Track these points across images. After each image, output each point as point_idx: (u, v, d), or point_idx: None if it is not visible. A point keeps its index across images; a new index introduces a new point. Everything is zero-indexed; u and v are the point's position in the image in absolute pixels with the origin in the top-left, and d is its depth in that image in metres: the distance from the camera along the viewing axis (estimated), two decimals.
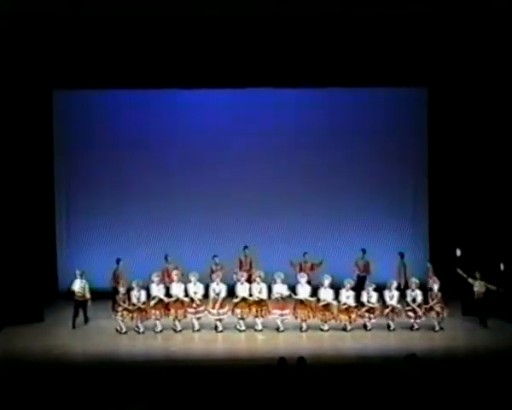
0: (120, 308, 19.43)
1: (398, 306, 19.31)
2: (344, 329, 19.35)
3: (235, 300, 19.46)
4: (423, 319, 19.35)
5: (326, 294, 19.37)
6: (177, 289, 19.59)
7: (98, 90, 23.10)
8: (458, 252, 20.86)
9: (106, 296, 21.23)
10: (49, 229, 23.38)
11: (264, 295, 19.43)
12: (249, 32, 21.19)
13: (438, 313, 19.31)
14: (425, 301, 19.49)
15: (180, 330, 19.47)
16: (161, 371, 16.03)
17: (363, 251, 21.82)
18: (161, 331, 19.45)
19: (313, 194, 23.69)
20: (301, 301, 19.38)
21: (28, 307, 20.70)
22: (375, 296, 19.37)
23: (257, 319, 19.47)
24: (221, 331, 19.42)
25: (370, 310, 19.27)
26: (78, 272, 20.37)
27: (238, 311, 19.40)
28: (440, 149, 23.40)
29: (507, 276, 20.24)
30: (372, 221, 23.65)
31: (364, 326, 19.40)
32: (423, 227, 23.96)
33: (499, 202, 21.07)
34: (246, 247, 21.75)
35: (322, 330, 19.39)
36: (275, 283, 19.61)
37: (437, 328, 19.25)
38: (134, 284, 19.61)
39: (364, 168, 23.79)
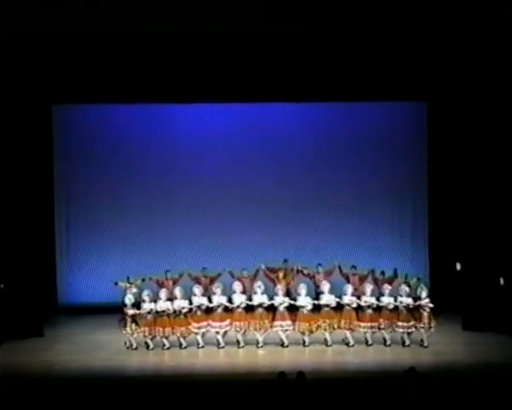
0: (129, 321, 19.17)
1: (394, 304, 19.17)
2: (346, 344, 19.30)
3: (233, 306, 19.35)
4: (413, 329, 19.19)
5: (328, 299, 19.31)
6: (180, 303, 19.39)
7: (97, 105, 23.15)
8: (458, 266, 20.88)
9: (106, 311, 21.22)
10: (48, 244, 23.35)
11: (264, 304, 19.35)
12: (248, 48, 21.22)
13: (429, 321, 19.09)
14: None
15: (185, 347, 19.28)
16: (161, 386, 15.99)
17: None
18: (169, 348, 19.25)
19: (310, 208, 23.74)
20: (303, 312, 19.28)
21: (28, 322, 20.63)
22: (373, 300, 19.32)
23: (258, 335, 19.34)
24: (223, 347, 19.27)
25: (371, 316, 19.21)
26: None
27: (237, 323, 19.25)
28: (440, 163, 23.46)
29: (507, 290, 20.25)
30: (371, 236, 23.63)
31: (366, 342, 19.33)
32: (423, 241, 23.96)
33: (499, 216, 21.02)
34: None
35: (325, 344, 19.34)
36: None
37: (426, 343, 19.09)
38: (145, 297, 19.38)
39: (363, 182, 23.80)
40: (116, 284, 20.46)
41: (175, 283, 20.64)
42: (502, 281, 20.23)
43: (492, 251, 20.91)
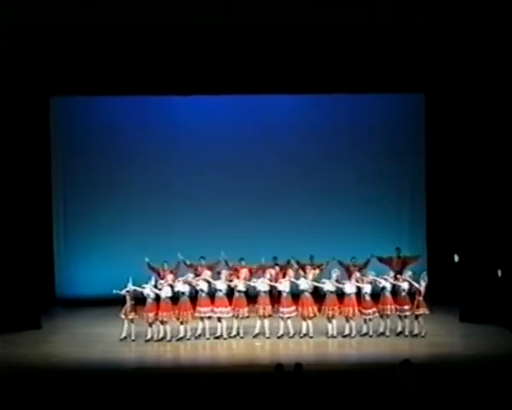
0: (131, 305, 19.22)
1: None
2: (346, 335, 19.34)
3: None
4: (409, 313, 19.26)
5: (331, 286, 19.46)
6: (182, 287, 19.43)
7: (95, 97, 23.04)
8: (456, 258, 20.83)
9: (103, 303, 21.21)
10: (46, 236, 23.32)
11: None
12: (247, 40, 21.01)
13: (417, 308, 19.10)
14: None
15: (189, 338, 19.33)
16: (159, 378, 16.01)
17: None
18: (170, 340, 19.27)
19: (309, 201, 23.74)
20: (306, 297, 19.39)
21: (25, 315, 20.64)
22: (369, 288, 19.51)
23: (257, 325, 19.44)
24: (225, 338, 19.34)
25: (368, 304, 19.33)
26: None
27: (239, 309, 19.36)
28: (438, 155, 23.41)
29: (504, 282, 20.24)
30: (369, 229, 23.62)
31: (366, 333, 19.36)
32: (421, 233, 23.93)
33: (497, 208, 20.99)
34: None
35: (326, 335, 19.40)
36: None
37: (423, 333, 19.19)
38: (150, 285, 19.43)
39: (361, 175, 23.81)
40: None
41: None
42: (499, 273, 20.14)
43: (490, 243, 20.87)
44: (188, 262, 20.84)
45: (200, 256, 20.85)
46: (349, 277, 19.96)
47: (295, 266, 20.76)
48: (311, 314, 19.36)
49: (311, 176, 23.83)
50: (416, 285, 19.15)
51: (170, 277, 19.63)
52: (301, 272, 20.20)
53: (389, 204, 23.95)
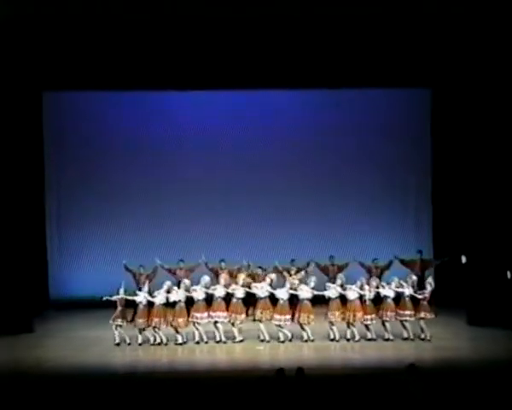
0: (119, 311, 19.01)
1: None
2: (349, 339, 19.14)
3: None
4: (412, 319, 19.08)
5: (333, 293, 19.29)
6: (177, 296, 19.21)
7: (88, 92, 23.05)
8: (463, 259, 20.66)
9: (97, 306, 20.88)
10: (39, 237, 23.25)
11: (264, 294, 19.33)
12: (250, 33, 21.26)
13: (415, 313, 18.94)
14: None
15: (185, 342, 19.11)
16: (156, 382, 15.73)
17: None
18: (166, 344, 19.06)
19: (313, 199, 23.63)
20: (303, 304, 19.13)
21: (18, 318, 20.44)
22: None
23: (261, 326, 19.20)
24: (225, 342, 19.09)
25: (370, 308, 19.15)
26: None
27: (236, 315, 19.17)
28: (444, 152, 23.39)
29: None
30: (374, 227, 23.55)
31: (371, 338, 19.17)
32: (427, 234, 23.83)
33: (506, 207, 20.93)
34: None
35: (329, 339, 19.21)
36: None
37: (428, 336, 18.95)
38: (144, 292, 19.34)
39: (366, 171, 23.73)
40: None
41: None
42: (508, 274, 20.00)
43: (498, 244, 20.73)
44: (166, 266, 21.15)
45: (179, 259, 21.12)
46: (370, 278, 20.14)
47: (311, 268, 21.03)
48: (306, 322, 19.17)
49: (312, 172, 23.75)
50: (420, 296, 19.00)
51: (167, 283, 19.42)
52: (295, 276, 20.33)
53: (394, 203, 23.84)
